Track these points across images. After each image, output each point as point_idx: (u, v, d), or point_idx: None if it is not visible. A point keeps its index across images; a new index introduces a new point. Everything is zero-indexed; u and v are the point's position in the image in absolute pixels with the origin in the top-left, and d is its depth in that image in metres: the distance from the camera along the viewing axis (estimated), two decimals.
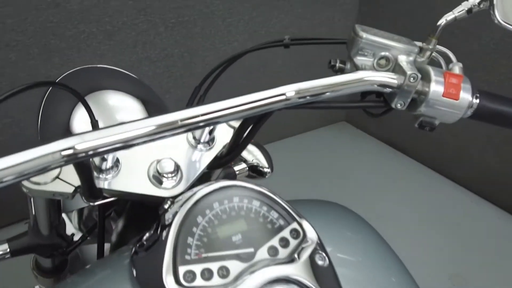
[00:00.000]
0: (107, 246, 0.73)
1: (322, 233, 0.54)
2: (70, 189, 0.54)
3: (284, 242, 0.49)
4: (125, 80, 0.88)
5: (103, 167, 0.55)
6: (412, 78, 0.55)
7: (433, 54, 0.60)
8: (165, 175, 0.58)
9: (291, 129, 2.84)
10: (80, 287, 0.55)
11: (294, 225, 0.50)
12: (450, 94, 0.55)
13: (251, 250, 0.47)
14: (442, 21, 0.58)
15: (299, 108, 0.55)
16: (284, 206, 0.51)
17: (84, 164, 0.49)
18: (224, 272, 0.45)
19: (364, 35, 0.57)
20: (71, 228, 0.84)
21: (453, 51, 0.61)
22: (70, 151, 0.41)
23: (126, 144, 0.45)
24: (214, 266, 0.45)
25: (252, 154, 0.83)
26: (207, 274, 0.45)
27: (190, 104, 0.75)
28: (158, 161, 0.59)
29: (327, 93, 0.54)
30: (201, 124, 0.49)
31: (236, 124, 0.63)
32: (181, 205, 0.48)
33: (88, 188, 0.54)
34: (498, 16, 0.55)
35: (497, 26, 0.56)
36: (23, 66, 1.82)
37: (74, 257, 1.00)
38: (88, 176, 0.52)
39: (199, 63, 2.29)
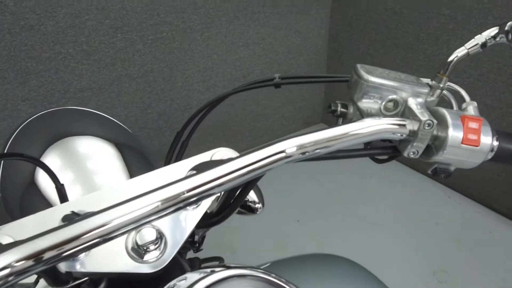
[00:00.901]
0: None
1: None
2: (32, 278, 0.42)
3: None
4: (98, 123, 0.75)
5: None
6: (427, 125, 0.44)
7: (443, 91, 0.50)
8: (146, 246, 0.47)
9: (270, 133, 2.75)
10: None
11: None
12: (470, 141, 0.45)
13: None
14: (453, 57, 0.48)
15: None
16: None
17: None
18: None
19: (370, 78, 0.46)
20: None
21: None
22: (30, 262, 0.30)
23: (98, 241, 0.33)
24: None
25: None
26: None
27: (172, 149, 0.62)
28: (138, 231, 0.47)
29: (333, 146, 0.43)
30: (192, 200, 0.38)
31: None
32: None
33: (52, 277, 0.42)
34: None
35: None
36: None
37: None
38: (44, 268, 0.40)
39: (179, 77, 2.17)
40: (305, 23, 2.48)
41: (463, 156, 0.46)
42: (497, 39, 0.47)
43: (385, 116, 0.48)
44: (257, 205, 0.73)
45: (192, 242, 0.71)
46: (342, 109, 0.49)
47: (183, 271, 0.53)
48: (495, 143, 0.47)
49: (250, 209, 0.72)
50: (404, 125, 0.45)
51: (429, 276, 1.92)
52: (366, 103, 0.47)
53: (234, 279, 0.39)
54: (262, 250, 2.00)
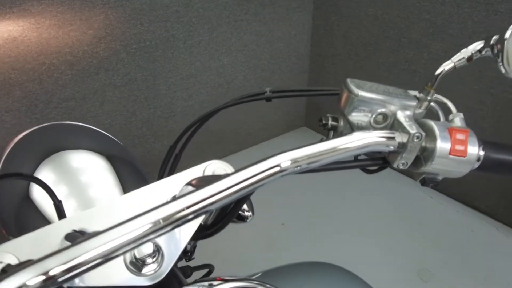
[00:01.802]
0: None
1: None
2: None
3: None
4: (89, 136, 0.75)
5: None
6: (416, 138, 0.46)
7: (431, 103, 0.52)
8: (144, 259, 0.47)
9: (254, 138, 2.76)
10: None
11: None
12: (458, 152, 0.47)
13: None
14: (440, 71, 0.49)
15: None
16: None
17: None
18: None
19: (360, 92, 0.47)
20: None
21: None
22: (41, 283, 0.31)
23: (102, 261, 0.34)
24: None
25: None
26: None
27: (165, 164, 0.63)
28: None
29: (325, 159, 0.44)
30: (191, 216, 0.39)
31: None
32: None
33: None
34: (507, 65, 0.47)
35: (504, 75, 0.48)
36: None
37: None
38: None
39: (163, 85, 2.17)
40: (287, 30, 2.51)
41: (451, 166, 0.48)
42: (483, 52, 0.49)
43: (375, 128, 0.49)
44: (247, 213, 0.74)
45: (185, 252, 0.71)
46: (333, 123, 0.51)
47: (180, 283, 0.53)
48: (482, 153, 0.49)
49: (240, 218, 0.73)
50: (393, 138, 0.47)
51: (413, 275, 1.95)
52: (356, 117, 0.49)
53: None
54: (249, 254, 2.01)
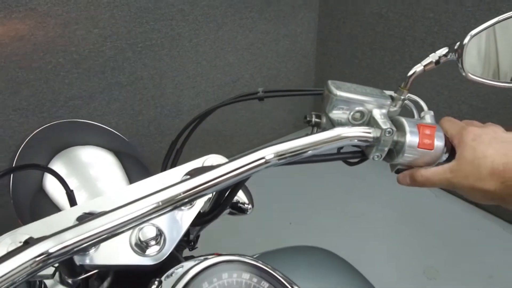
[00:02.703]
0: None
1: (310, 282, 0.52)
2: (51, 271, 0.51)
3: None
4: (97, 133, 0.84)
5: None
6: (387, 133, 0.54)
7: (405, 102, 0.59)
8: (147, 242, 0.55)
9: (261, 138, 2.83)
10: None
11: None
12: (425, 145, 0.54)
13: None
14: (412, 73, 0.57)
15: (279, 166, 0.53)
16: (273, 275, 0.49)
17: None
18: None
19: (338, 92, 0.55)
20: (51, 282, 0.80)
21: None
22: (52, 254, 0.39)
23: (107, 236, 0.42)
24: None
25: None
26: None
27: (168, 158, 0.71)
28: (140, 228, 0.55)
29: (307, 152, 0.52)
30: (186, 200, 0.47)
31: None
32: None
33: (68, 268, 0.50)
34: (466, 68, 0.54)
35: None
36: None
37: None
38: (67, 259, 0.48)
39: (169, 84, 2.25)
40: (293, 28, 2.57)
41: (420, 157, 0.56)
42: (448, 56, 0.57)
43: (353, 125, 0.57)
44: (247, 206, 0.82)
45: (188, 241, 0.79)
46: (316, 119, 0.58)
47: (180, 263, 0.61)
48: (448, 146, 0.56)
49: (241, 210, 0.81)
50: (369, 133, 0.54)
51: (419, 273, 2.01)
52: (336, 114, 0.57)
53: (223, 264, 0.48)
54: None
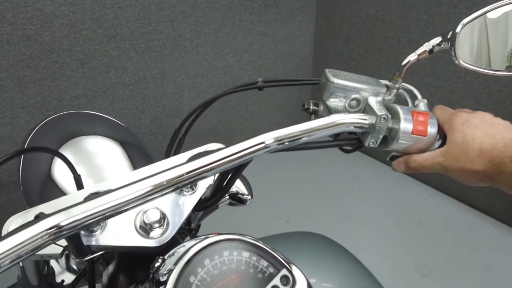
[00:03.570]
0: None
1: (307, 265, 0.53)
2: (58, 250, 0.52)
3: None
4: (103, 123, 0.85)
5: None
6: (382, 119, 0.54)
7: (399, 91, 0.60)
8: (151, 224, 0.56)
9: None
10: None
11: (284, 271, 0.49)
12: (419, 131, 0.55)
13: None
14: (406, 62, 0.58)
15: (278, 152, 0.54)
16: (272, 254, 0.50)
17: None
18: None
19: (335, 80, 0.56)
20: (58, 269, 0.80)
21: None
22: (62, 227, 0.39)
23: (114, 213, 0.43)
24: None
25: None
26: None
27: (170, 146, 0.72)
28: (144, 212, 0.56)
29: (304, 138, 0.53)
30: (187, 181, 0.47)
31: None
32: (173, 265, 0.46)
33: (76, 247, 0.51)
34: (459, 56, 0.55)
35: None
36: None
37: None
38: (76, 237, 0.49)
39: (171, 84, 2.26)
40: (291, 30, 2.59)
41: (414, 144, 0.56)
42: (441, 46, 0.58)
43: (349, 112, 0.58)
44: (246, 197, 0.82)
45: (190, 229, 0.80)
46: (314, 107, 0.59)
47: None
48: (441, 133, 0.57)
49: (240, 201, 0.82)
50: (364, 120, 0.55)
51: (412, 270, 2.02)
52: (333, 102, 0.57)
53: (224, 242, 0.48)
54: None
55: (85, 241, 0.52)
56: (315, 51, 2.79)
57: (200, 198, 0.62)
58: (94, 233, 0.53)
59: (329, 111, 0.57)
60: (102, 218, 0.42)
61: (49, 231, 0.38)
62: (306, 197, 2.49)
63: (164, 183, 0.45)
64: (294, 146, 0.53)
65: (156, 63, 2.15)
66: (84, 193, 0.54)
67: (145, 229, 0.55)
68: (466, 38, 0.56)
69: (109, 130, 0.82)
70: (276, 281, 0.48)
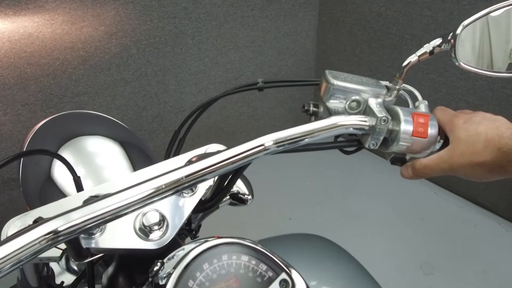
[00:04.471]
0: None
1: (306, 268, 0.53)
2: (58, 253, 0.52)
3: None
4: (103, 123, 0.85)
5: None
6: (382, 121, 0.54)
7: (400, 92, 0.60)
8: (151, 227, 0.56)
9: (262, 134, 2.83)
10: None
11: (283, 275, 0.49)
12: (419, 133, 0.55)
13: None
14: (407, 63, 0.58)
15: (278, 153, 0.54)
16: (271, 257, 0.50)
17: None
18: None
19: (335, 82, 0.56)
20: (58, 269, 0.80)
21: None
22: (61, 232, 0.40)
23: (113, 217, 0.43)
24: None
25: None
26: None
27: (170, 147, 0.72)
28: (144, 214, 0.56)
29: (304, 140, 0.53)
30: (187, 184, 0.47)
31: None
32: (173, 269, 0.46)
33: (75, 250, 0.51)
34: (459, 58, 0.55)
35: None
36: None
37: None
38: (75, 240, 0.49)
39: (172, 80, 2.26)
40: (293, 26, 2.58)
41: (414, 146, 0.56)
42: (442, 47, 0.57)
43: (349, 114, 0.58)
44: (247, 197, 0.82)
45: (190, 230, 0.80)
46: (314, 109, 0.59)
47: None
48: (442, 135, 0.57)
49: (241, 201, 0.82)
50: (364, 121, 0.55)
51: (416, 269, 2.02)
52: (333, 103, 0.57)
53: (223, 246, 0.48)
54: None
55: (84, 243, 0.52)
56: (317, 47, 2.78)
57: (200, 200, 0.62)
58: (93, 236, 0.53)
59: (329, 112, 0.57)
60: (101, 222, 0.42)
61: (47, 236, 0.39)
62: (309, 194, 2.49)
63: (163, 186, 0.46)
64: (294, 148, 0.53)
65: (158, 59, 2.15)
66: (83, 195, 0.54)
67: (145, 231, 0.56)
68: (466, 40, 0.56)
69: (109, 130, 0.82)
70: (275, 285, 0.48)
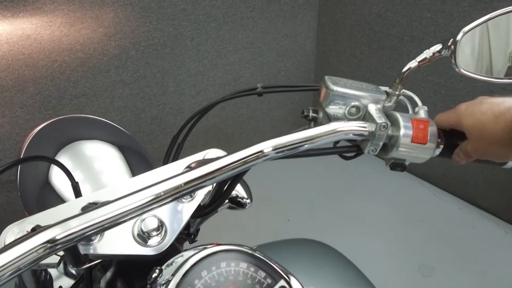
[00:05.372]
0: None
1: (305, 273, 0.53)
2: (56, 259, 0.52)
3: None
4: (101, 128, 0.85)
5: None
6: (382, 127, 0.54)
7: (400, 97, 0.60)
8: (149, 233, 0.56)
9: (261, 136, 2.82)
10: None
11: (282, 282, 0.49)
12: (419, 139, 0.55)
13: None
14: (406, 69, 0.58)
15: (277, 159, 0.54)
16: (270, 264, 0.50)
17: None
18: None
19: (335, 88, 0.56)
20: (56, 274, 0.80)
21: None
22: (59, 241, 0.40)
23: (111, 225, 0.43)
24: None
25: None
26: None
27: (169, 152, 0.72)
28: (142, 220, 0.56)
29: (303, 146, 0.53)
30: (185, 191, 0.47)
31: None
32: (171, 276, 0.46)
33: (73, 257, 0.51)
34: (459, 64, 0.55)
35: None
36: None
37: None
38: (73, 247, 0.49)
39: (171, 82, 2.26)
40: (293, 27, 2.58)
41: (414, 152, 0.56)
42: (442, 53, 0.57)
43: (349, 119, 0.57)
44: (245, 201, 0.82)
45: (188, 234, 0.80)
46: (313, 114, 0.59)
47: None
48: (441, 141, 0.57)
49: (240, 204, 0.82)
50: (364, 127, 0.55)
51: (414, 270, 2.02)
52: (332, 109, 0.57)
53: (222, 253, 0.48)
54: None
55: (82, 250, 0.52)
56: (317, 49, 2.78)
57: (199, 205, 0.62)
58: (91, 242, 0.53)
59: (329, 118, 0.57)
60: (99, 230, 0.42)
61: (46, 244, 0.39)
62: (307, 195, 2.49)
63: (162, 193, 0.46)
64: (293, 154, 0.53)
65: (157, 61, 2.15)
66: (81, 202, 0.54)
67: (143, 237, 0.56)
68: (466, 46, 0.56)
69: (107, 134, 0.82)
70: None
